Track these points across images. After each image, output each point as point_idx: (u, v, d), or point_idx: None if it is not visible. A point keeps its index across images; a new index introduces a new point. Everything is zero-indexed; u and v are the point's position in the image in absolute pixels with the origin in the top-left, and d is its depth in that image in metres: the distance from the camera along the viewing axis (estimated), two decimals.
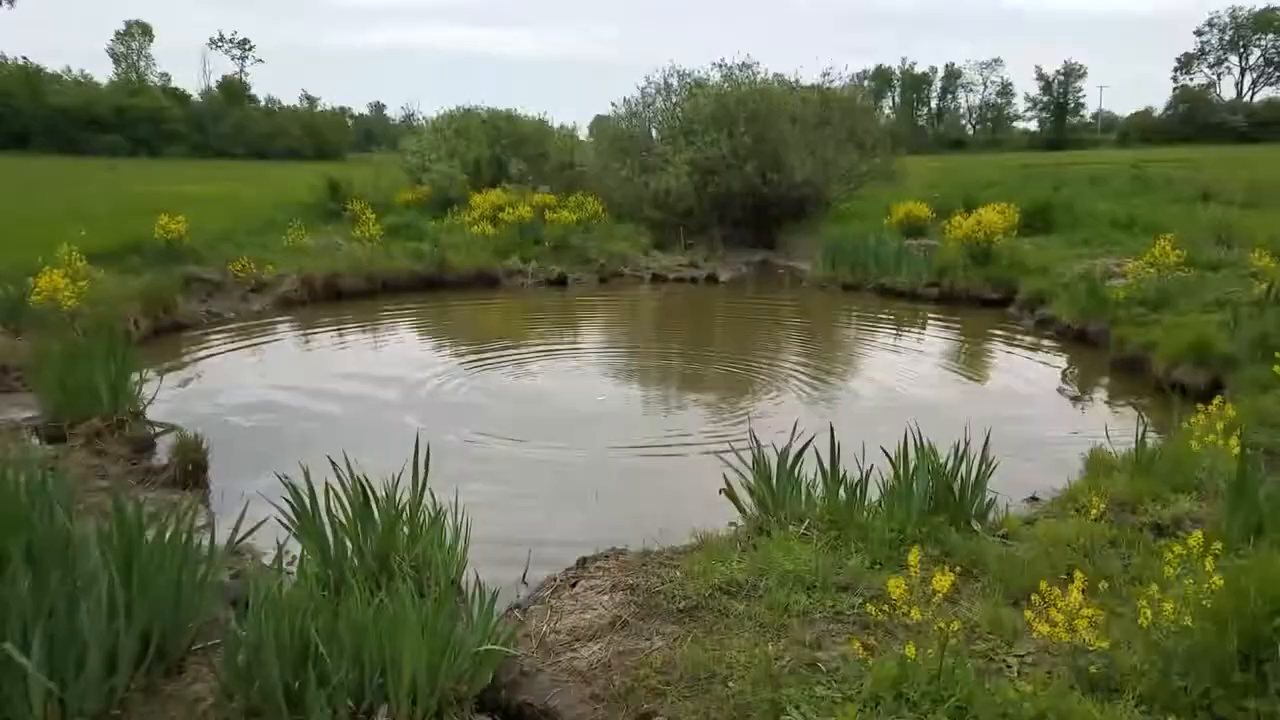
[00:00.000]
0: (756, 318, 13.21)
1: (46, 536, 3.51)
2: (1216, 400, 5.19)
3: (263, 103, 70.34)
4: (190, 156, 52.66)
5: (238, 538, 3.95)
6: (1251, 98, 77.98)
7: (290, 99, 73.44)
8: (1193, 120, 67.79)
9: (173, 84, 70.12)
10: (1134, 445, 5.38)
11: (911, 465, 4.60)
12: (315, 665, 2.95)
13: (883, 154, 21.66)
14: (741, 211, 20.16)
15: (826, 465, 4.74)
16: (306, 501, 3.99)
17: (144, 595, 3.26)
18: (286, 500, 4.01)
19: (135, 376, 6.90)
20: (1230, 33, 79.71)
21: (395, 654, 3.04)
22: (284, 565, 3.84)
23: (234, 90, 68.95)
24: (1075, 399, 8.54)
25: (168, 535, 3.51)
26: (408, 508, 4.10)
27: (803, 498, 4.74)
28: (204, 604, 3.52)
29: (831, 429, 4.80)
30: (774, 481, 4.78)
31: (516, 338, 11.07)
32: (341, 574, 3.80)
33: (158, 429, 6.61)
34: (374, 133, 76.19)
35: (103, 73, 69.26)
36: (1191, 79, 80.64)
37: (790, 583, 3.85)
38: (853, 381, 9.18)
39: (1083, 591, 3.01)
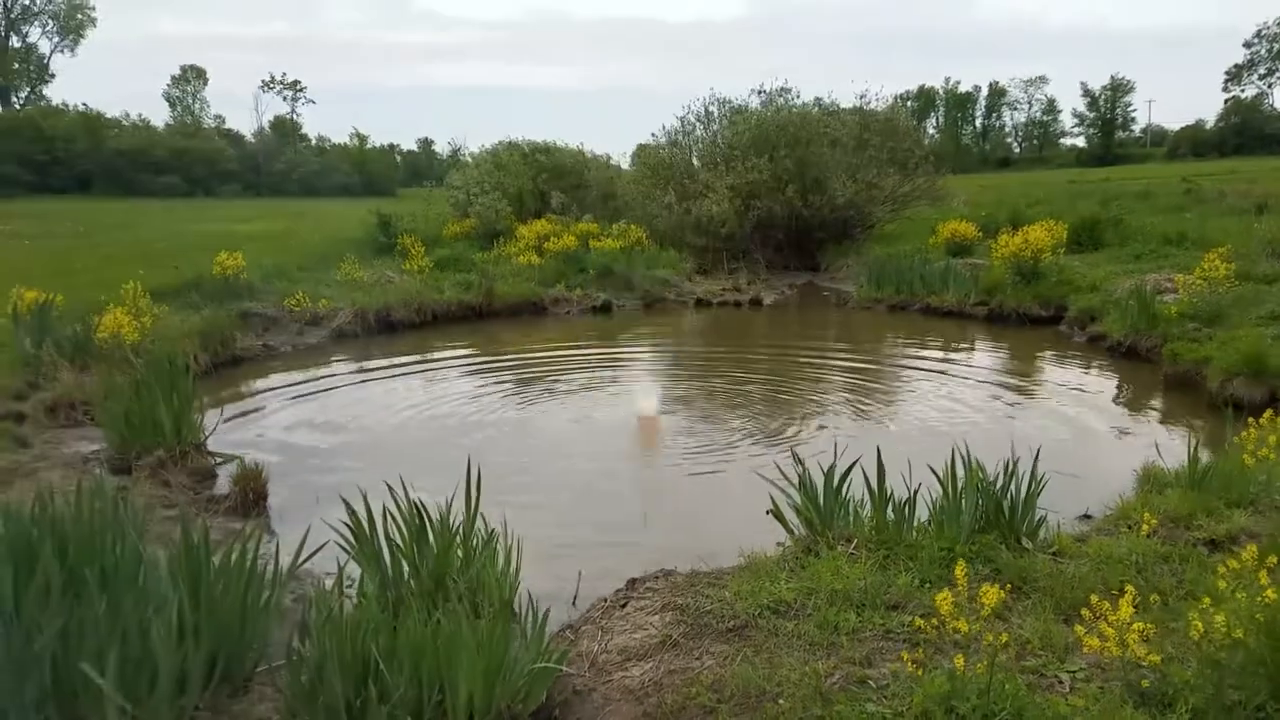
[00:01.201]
0: (801, 340, 13.21)
1: (119, 562, 3.67)
2: (1268, 414, 5.12)
3: (314, 141, 72.11)
4: (245, 195, 54.06)
5: (298, 562, 4.08)
6: None
7: (340, 137, 75.07)
8: (1245, 132, 66.49)
9: (226, 125, 72.21)
10: (1187, 461, 5.32)
11: (960, 484, 4.60)
12: (376, 683, 3.05)
13: (925, 174, 21.57)
14: (784, 235, 20.23)
15: (873, 485, 4.75)
16: (365, 526, 4.12)
17: (211, 618, 3.39)
18: (346, 524, 4.14)
19: (196, 409, 7.13)
20: (1279, 43, 78.20)
21: (452, 672, 3.13)
22: (343, 588, 3.95)
23: (286, 130, 70.76)
24: (1127, 416, 8.43)
25: (233, 560, 3.64)
26: (461, 530, 4.20)
27: (850, 518, 4.76)
28: (268, 626, 3.65)
29: (878, 449, 4.82)
30: (820, 501, 4.81)
31: (563, 364, 11.19)
32: (400, 595, 3.91)
33: (219, 459, 6.81)
34: (422, 168, 77.51)
35: (159, 117, 71.39)
36: (1242, 90, 79.16)
37: (839, 602, 3.87)
38: (900, 402, 9.15)
39: (1135, 606, 3.00)
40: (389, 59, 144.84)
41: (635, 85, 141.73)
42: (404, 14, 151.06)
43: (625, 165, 28.20)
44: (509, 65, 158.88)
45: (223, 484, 6.41)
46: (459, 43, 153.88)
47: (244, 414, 8.88)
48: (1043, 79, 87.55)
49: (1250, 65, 79.88)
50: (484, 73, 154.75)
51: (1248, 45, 79.67)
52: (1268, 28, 78.30)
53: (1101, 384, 9.62)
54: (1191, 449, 5.38)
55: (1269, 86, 79.57)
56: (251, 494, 5.95)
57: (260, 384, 10.33)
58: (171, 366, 7.28)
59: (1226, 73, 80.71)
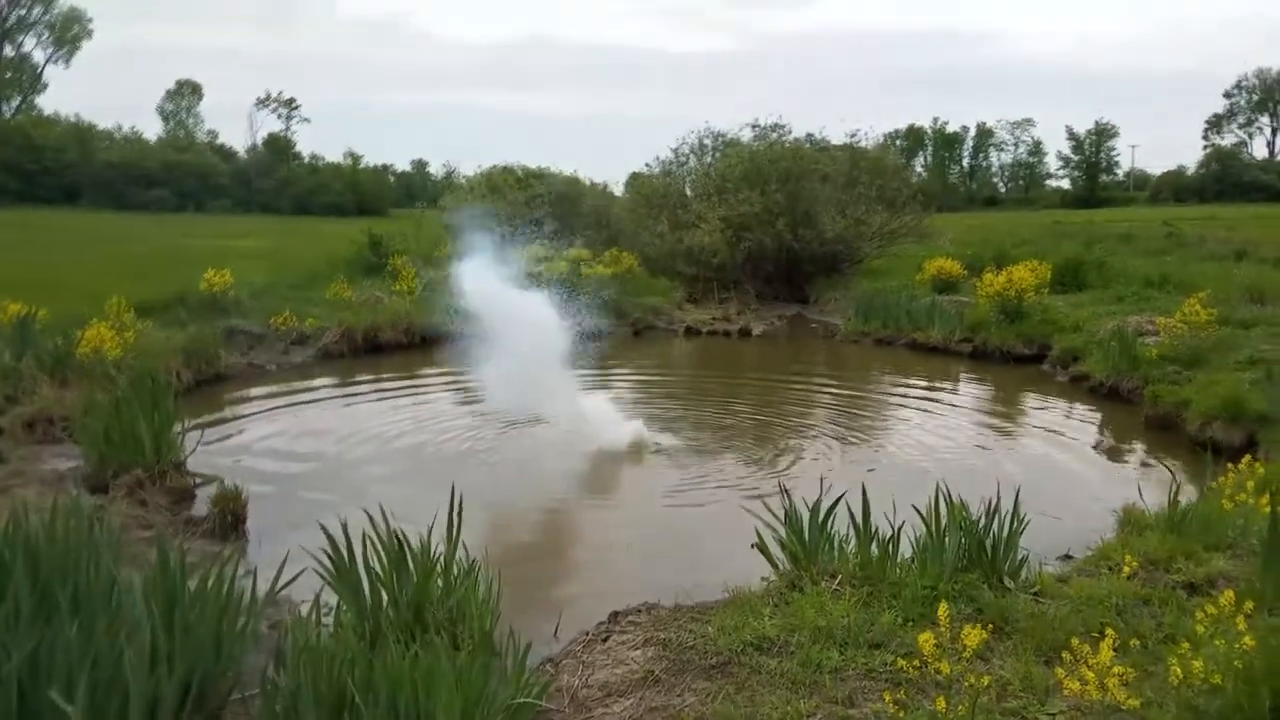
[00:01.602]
0: (789, 371, 13.25)
1: (93, 584, 3.62)
2: (1246, 459, 5.16)
3: (307, 159, 71.95)
4: (235, 211, 53.88)
5: (276, 589, 4.03)
6: None
7: (334, 156, 74.88)
8: (1224, 179, 67.53)
9: (220, 140, 72.16)
10: (1167, 503, 5.35)
11: (943, 522, 4.61)
12: (352, 715, 3.01)
13: (913, 212, 21.79)
14: (774, 267, 20.35)
15: (858, 520, 4.76)
16: (345, 553, 4.08)
17: (185, 643, 3.34)
18: (325, 551, 4.10)
19: (177, 427, 7.06)
20: (1259, 94, 79.62)
21: (429, 706, 3.09)
22: (320, 616, 3.90)
23: (279, 147, 70.63)
24: (1108, 456, 8.47)
25: (209, 584, 3.60)
26: (442, 560, 4.17)
27: (835, 553, 4.76)
28: (243, 653, 3.60)
29: (863, 485, 4.82)
30: (805, 536, 4.80)
31: None
32: (377, 625, 3.86)
33: (199, 480, 6.74)
34: (416, 189, 77.53)
35: (152, 130, 71.20)
36: (1222, 139, 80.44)
37: (822, 639, 3.86)
38: (885, 436, 9.17)
39: (1115, 650, 3.00)
40: (385, 79, 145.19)
41: (627, 113, 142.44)
42: (400, 35, 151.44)
43: (619, 192, 28.34)
44: (506, 89, 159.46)
45: (201, 505, 6.34)
46: (455, 65, 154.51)
47: (226, 433, 8.82)
48: (1029, 121, 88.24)
49: (1230, 115, 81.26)
50: (480, 96, 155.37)
51: (1228, 95, 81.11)
52: (1247, 79, 79.83)
53: (1083, 424, 9.67)
54: (1171, 491, 5.40)
55: (1248, 136, 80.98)
56: (230, 516, 5.89)
57: (243, 402, 10.27)
58: (153, 383, 7.23)
59: (1207, 121, 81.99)
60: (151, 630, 3.26)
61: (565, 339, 8.39)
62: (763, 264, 20.23)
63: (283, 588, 3.98)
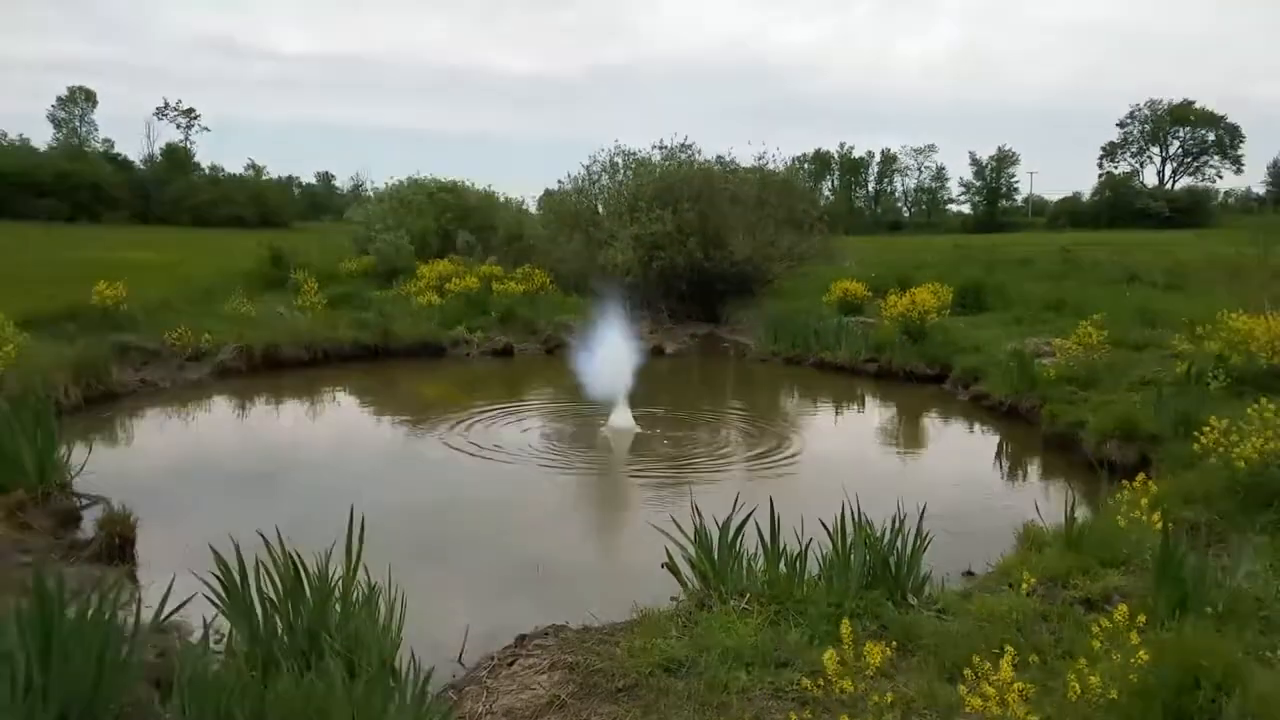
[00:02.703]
0: (700, 389, 13.33)
1: None
2: (1140, 477, 5.35)
3: (207, 170, 69.92)
4: (132, 223, 51.93)
5: (164, 615, 3.83)
6: (1172, 185, 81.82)
7: (235, 167, 72.99)
8: (1118, 206, 70.72)
9: (116, 150, 69.74)
10: (1064, 521, 5.50)
11: (849, 539, 4.66)
12: None
13: (820, 234, 22.17)
14: (687, 286, 20.47)
15: (767, 538, 4.77)
16: (236, 577, 3.90)
17: (62, 674, 3.15)
18: (216, 575, 3.92)
19: (63, 447, 6.71)
20: (1150, 125, 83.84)
21: None
22: (211, 643, 3.72)
23: (178, 158, 68.46)
24: (1008, 474, 8.71)
25: (90, 613, 3.40)
26: (341, 583, 4.03)
27: (744, 571, 4.76)
28: (126, 684, 3.40)
29: (771, 502, 4.84)
30: (715, 554, 4.79)
31: (456, 407, 11.00)
32: (270, 653, 3.70)
33: (84, 501, 6.41)
34: (321, 202, 76.18)
35: (42, 138, 68.42)
36: (1115, 167, 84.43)
37: (730, 659, 3.85)
38: (793, 454, 9.26)
39: (1015, 666, 3.05)
40: (288, 90, 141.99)
41: (520, 135, 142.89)
42: (322, 47, 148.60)
43: (533, 208, 28.18)
44: (421, 106, 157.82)
45: (88, 528, 6.03)
46: (367, 78, 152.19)
47: (115, 453, 8.43)
48: (932, 148, 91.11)
49: (1124, 144, 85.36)
50: (394, 112, 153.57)
51: (1121, 125, 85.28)
52: (1139, 109, 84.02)
53: (984, 442, 9.94)
54: (1068, 508, 5.56)
55: (1140, 165, 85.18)
56: (118, 540, 5.60)
57: (135, 421, 9.84)
58: (36, 400, 6.86)
59: (1102, 148, 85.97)
60: (26, 661, 3.06)
61: None
62: (675, 283, 20.33)
63: (170, 614, 3.80)
